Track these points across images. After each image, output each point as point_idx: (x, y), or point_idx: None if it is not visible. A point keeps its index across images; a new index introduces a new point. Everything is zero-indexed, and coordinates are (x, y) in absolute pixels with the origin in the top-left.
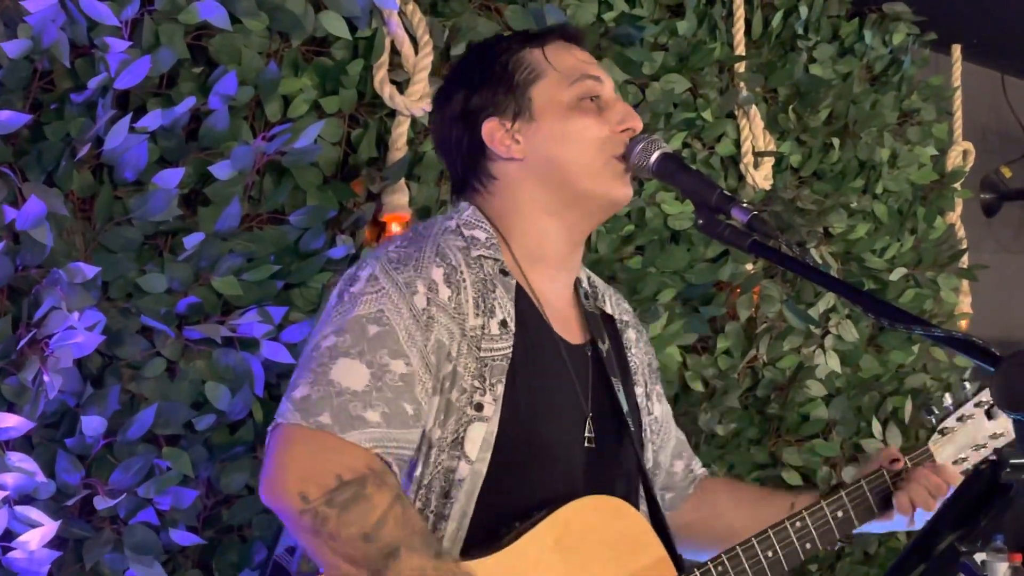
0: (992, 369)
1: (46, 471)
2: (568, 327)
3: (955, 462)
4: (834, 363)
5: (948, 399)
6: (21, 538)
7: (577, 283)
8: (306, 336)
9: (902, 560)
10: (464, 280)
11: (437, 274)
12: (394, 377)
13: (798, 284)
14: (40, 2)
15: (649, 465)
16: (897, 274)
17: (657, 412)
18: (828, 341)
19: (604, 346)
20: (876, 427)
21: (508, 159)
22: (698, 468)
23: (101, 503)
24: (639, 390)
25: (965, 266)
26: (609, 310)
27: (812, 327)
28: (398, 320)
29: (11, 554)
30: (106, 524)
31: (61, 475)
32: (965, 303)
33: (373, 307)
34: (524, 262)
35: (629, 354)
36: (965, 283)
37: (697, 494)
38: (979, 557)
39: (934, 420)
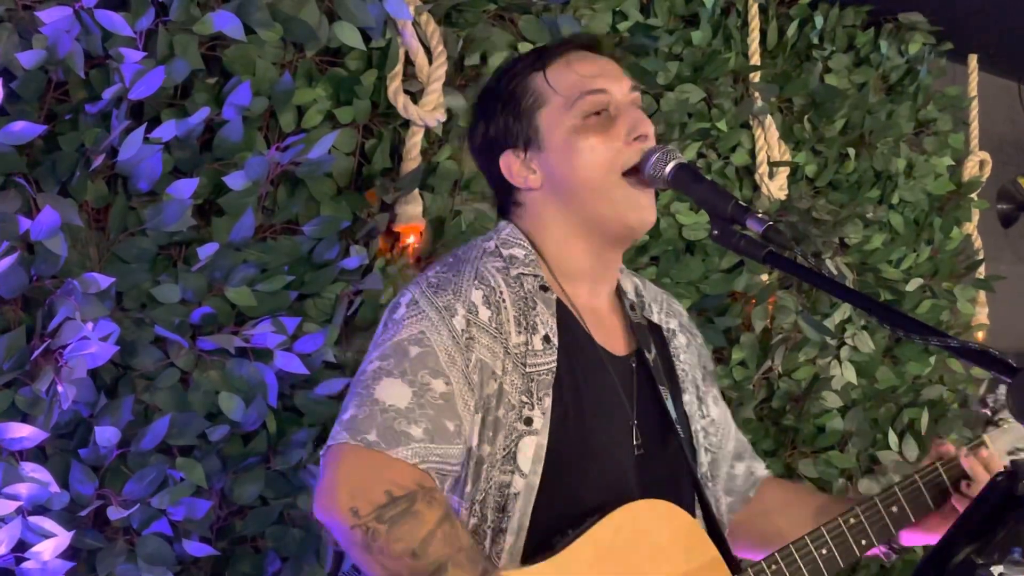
0: (1009, 380)
1: (60, 481)
2: (611, 339)
3: (1010, 452)
4: (850, 374)
5: (1003, 390)
6: (35, 548)
7: (622, 294)
8: (320, 347)
9: (918, 573)
10: (504, 300)
11: (476, 296)
12: (435, 395)
13: (813, 295)
14: (55, 13)
15: (704, 470)
16: (913, 285)
17: (714, 414)
18: (844, 352)
19: (650, 356)
20: (892, 439)
21: (527, 189)
22: (760, 471)
23: (114, 514)
24: (687, 397)
25: (982, 277)
26: (656, 319)
27: (828, 338)
28: (438, 341)
29: (25, 564)
30: (119, 535)
31: (75, 485)
32: (982, 314)
33: (414, 329)
34: (561, 278)
35: (677, 362)
36: (982, 294)
37: (756, 497)
38: (996, 570)
39: (989, 412)
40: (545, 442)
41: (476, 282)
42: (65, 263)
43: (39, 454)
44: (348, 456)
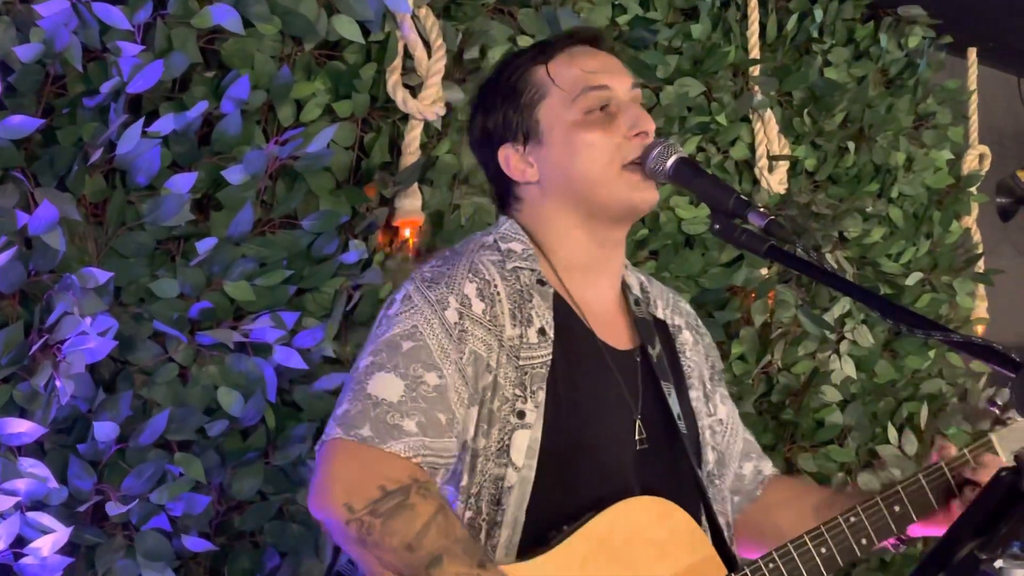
0: (1013, 376)
1: (58, 477)
2: (614, 333)
3: (1017, 453)
4: (849, 368)
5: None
6: (33, 544)
7: (626, 289)
8: (319, 341)
9: (921, 568)
10: (498, 293)
11: (470, 289)
12: (428, 388)
13: (813, 289)
14: (53, 6)
15: (709, 468)
16: (913, 279)
17: (722, 414)
18: (843, 346)
19: (654, 351)
20: (892, 433)
21: (526, 183)
22: (768, 469)
23: (113, 509)
24: (694, 393)
25: (981, 270)
26: (661, 315)
27: (827, 332)
28: (430, 334)
29: (23, 560)
30: (118, 530)
31: (73, 481)
32: (981, 308)
33: (407, 324)
34: (563, 271)
35: (683, 358)
36: (981, 288)
37: (763, 495)
38: (996, 564)
39: (997, 411)
40: (539, 435)
41: (470, 275)
42: (63, 258)
43: (37, 449)
44: (341, 452)
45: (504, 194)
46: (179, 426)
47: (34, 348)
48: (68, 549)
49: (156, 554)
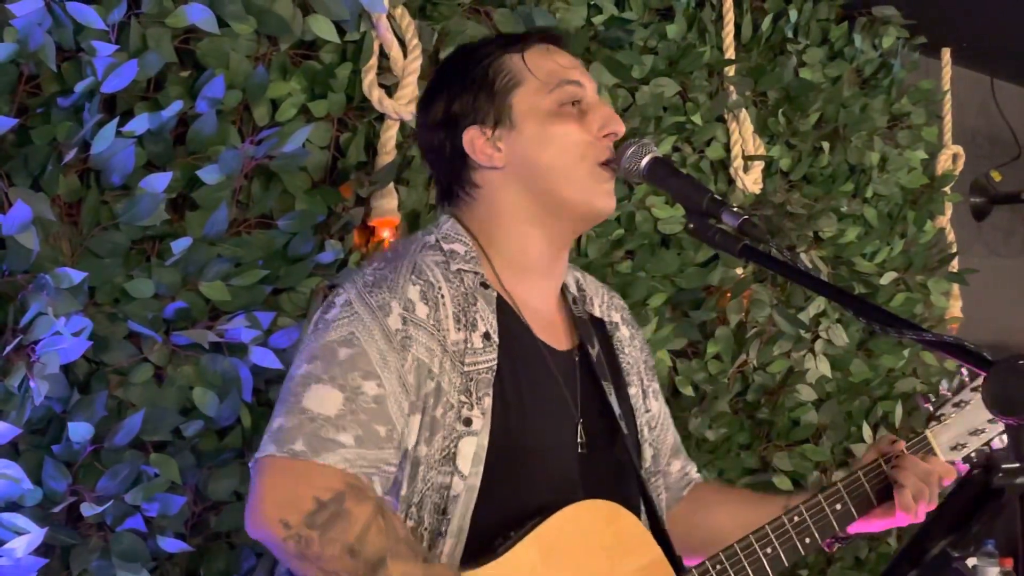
0: (984, 373)
1: (32, 478)
2: (554, 334)
3: (954, 448)
4: (824, 368)
5: (944, 386)
6: (7, 545)
7: (564, 289)
8: (294, 341)
9: (893, 566)
10: (443, 296)
11: (413, 292)
12: (367, 399)
13: (788, 288)
14: (26, 5)
15: (647, 466)
16: (887, 278)
17: (654, 409)
18: (818, 345)
19: (593, 351)
20: (866, 432)
21: (490, 168)
22: (693, 472)
23: (88, 510)
24: (632, 391)
25: (955, 270)
26: (598, 313)
27: (802, 331)
28: (369, 342)
29: None
30: (93, 531)
31: (48, 482)
32: (955, 307)
33: (344, 331)
34: (507, 272)
35: (621, 355)
36: (955, 287)
37: (690, 496)
38: (970, 562)
39: (931, 408)
40: (485, 442)
41: (413, 277)
42: (37, 258)
43: (11, 450)
44: (273, 468)
45: (456, 181)
46: (154, 426)
47: (8, 349)
48: (43, 550)
49: (131, 555)
